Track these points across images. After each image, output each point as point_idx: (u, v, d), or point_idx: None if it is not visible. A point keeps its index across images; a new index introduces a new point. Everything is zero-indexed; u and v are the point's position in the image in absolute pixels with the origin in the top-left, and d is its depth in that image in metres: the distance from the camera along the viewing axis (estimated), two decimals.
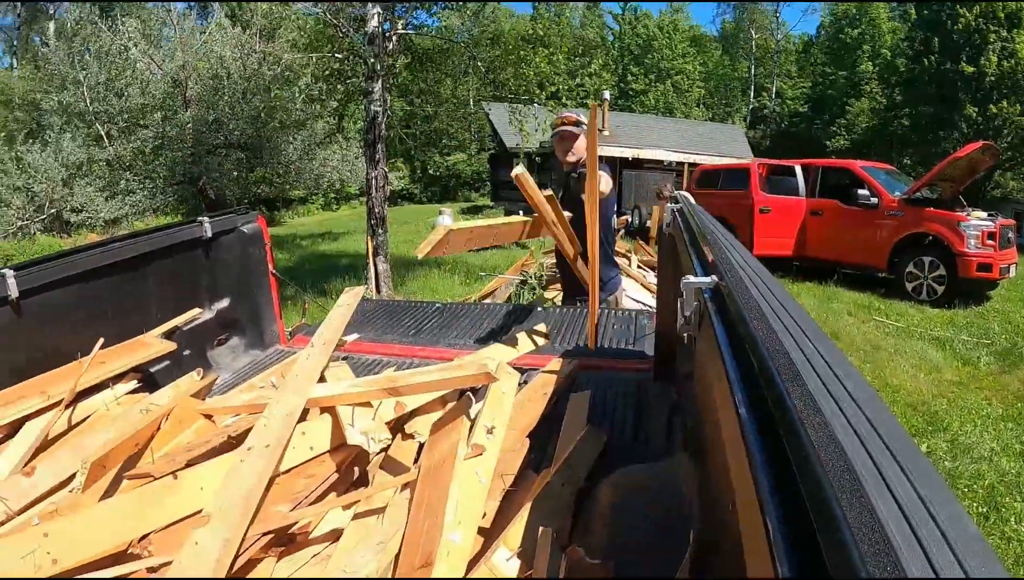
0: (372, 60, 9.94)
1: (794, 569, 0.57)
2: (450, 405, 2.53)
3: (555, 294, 8.88)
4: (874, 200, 12.00)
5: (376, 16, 9.90)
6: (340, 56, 11.19)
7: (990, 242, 10.73)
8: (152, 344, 3.07)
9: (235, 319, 4.20)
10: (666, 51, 53.81)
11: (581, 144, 4.38)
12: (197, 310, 3.81)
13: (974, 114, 31.69)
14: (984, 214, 11.25)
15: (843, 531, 0.53)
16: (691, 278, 1.51)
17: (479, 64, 11.45)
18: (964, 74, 32.11)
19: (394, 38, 10.43)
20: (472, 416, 2.42)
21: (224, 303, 4.10)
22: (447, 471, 2.00)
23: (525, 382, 3.02)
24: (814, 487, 0.60)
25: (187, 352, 3.54)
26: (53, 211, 19.15)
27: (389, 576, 1.72)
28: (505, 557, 1.74)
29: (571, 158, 4.44)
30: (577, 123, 4.40)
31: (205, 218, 3.88)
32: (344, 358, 3.60)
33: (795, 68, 57.54)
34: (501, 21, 11.97)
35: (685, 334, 1.65)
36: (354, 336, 3.59)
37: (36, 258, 2.96)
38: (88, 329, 2.89)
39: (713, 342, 1.15)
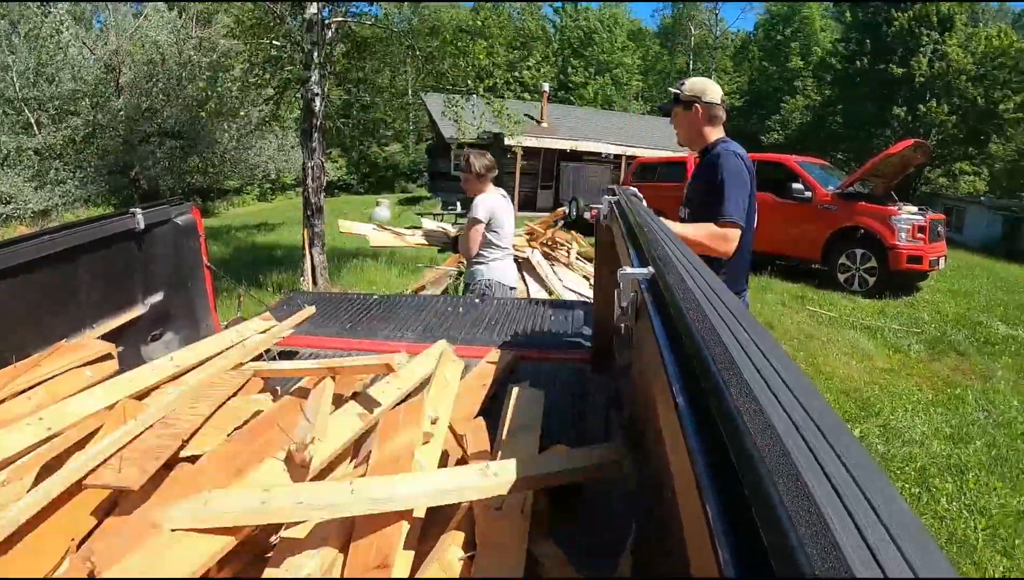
0: (310, 48, 9.81)
1: (734, 553, 0.58)
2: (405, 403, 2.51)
3: None
4: (808, 194, 12.23)
5: (315, 3, 9.78)
6: (278, 43, 11.02)
7: (920, 235, 11.03)
8: (90, 346, 2.98)
9: (169, 313, 4.11)
10: (606, 44, 54.12)
11: (685, 120, 3.78)
12: (140, 311, 3.73)
13: (903, 113, 32.58)
14: (915, 209, 11.56)
15: (780, 514, 0.54)
16: (628, 269, 1.52)
17: (418, 54, 11.38)
18: (895, 75, 32.95)
19: (333, 26, 10.31)
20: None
21: (158, 297, 4.01)
22: (404, 466, 1.98)
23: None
24: (751, 472, 0.61)
25: (120, 349, 3.46)
26: None
27: (336, 576, 1.69)
28: (457, 555, 1.72)
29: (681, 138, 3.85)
30: (676, 98, 3.72)
31: (138, 209, 3.79)
32: (282, 351, 3.55)
33: (732, 64, 58.36)
34: (441, 11, 11.88)
35: (622, 325, 1.66)
36: (288, 330, 3.54)
37: None
38: (17, 326, 2.81)
39: (650, 332, 1.15)
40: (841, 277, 11.84)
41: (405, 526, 1.75)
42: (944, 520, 4.31)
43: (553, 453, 2.12)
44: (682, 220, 3.66)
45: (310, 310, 3.62)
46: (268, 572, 1.68)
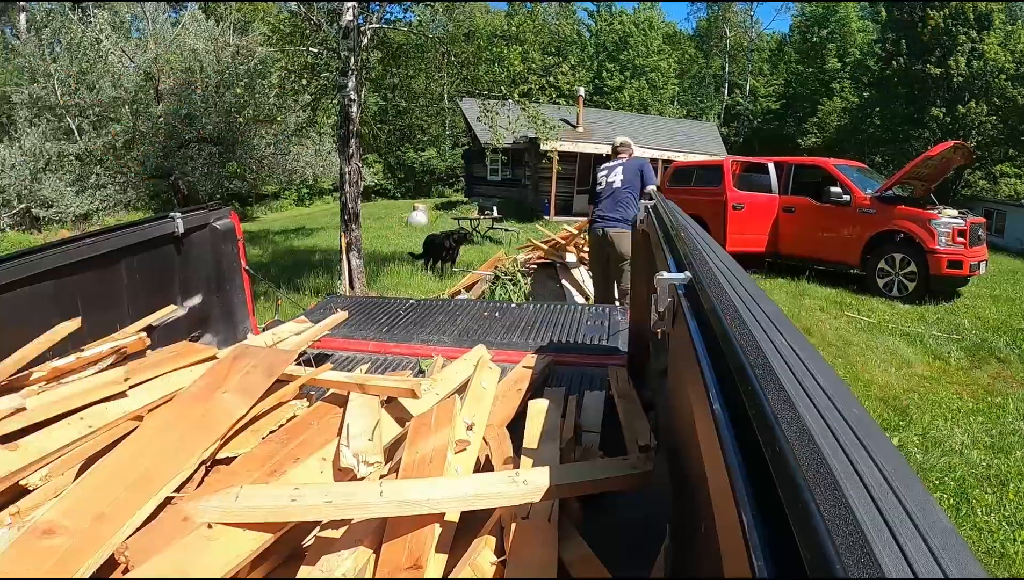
0: (346, 54, 9.89)
1: (769, 562, 0.58)
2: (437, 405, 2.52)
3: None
4: (846, 197, 12.10)
5: (351, 10, 9.85)
6: (314, 50, 11.12)
7: (960, 239, 10.86)
8: (198, 350, 3.02)
9: (207, 315, 4.17)
10: (641, 48, 53.91)
11: None
12: (172, 307, 3.77)
13: (942, 114, 32.13)
14: (955, 212, 11.38)
15: (817, 524, 0.53)
16: (665, 274, 1.52)
17: (453, 59, 11.42)
18: (932, 75, 32.49)
19: (368, 32, 10.38)
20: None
21: (196, 300, 4.07)
22: (436, 469, 1.99)
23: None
24: (788, 481, 0.60)
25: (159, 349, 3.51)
26: (22, 206, 18.88)
27: (370, 576, 1.70)
28: (489, 560, 1.73)
29: None
30: None
31: (177, 214, 3.84)
32: (317, 354, 3.58)
33: (768, 66, 57.91)
34: (476, 16, 11.92)
35: (659, 330, 1.66)
36: (319, 334, 3.57)
37: (7, 254, 2.92)
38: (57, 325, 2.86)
39: (687, 338, 1.15)
40: (880, 282, 11.69)
41: (437, 529, 1.75)
42: (983, 532, 4.24)
43: (583, 461, 2.11)
44: None
45: (343, 315, 3.64)
46: (303, 571, 1.69)
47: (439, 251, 12.44)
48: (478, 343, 3.79)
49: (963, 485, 4.83)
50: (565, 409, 2.70)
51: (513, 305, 4.78)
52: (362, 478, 1.91)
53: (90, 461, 2.07)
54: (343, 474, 2.00)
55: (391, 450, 2.31)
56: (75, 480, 1.98)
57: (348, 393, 2.47)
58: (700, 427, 0.96)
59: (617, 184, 7.07)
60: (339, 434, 2.19)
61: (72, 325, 2.82)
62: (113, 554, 1.65)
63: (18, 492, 1.91)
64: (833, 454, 0.64)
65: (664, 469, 2.05)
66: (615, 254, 6.70)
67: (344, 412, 2.33)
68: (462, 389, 2.73)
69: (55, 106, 16.65)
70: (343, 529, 1.84)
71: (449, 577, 1.66)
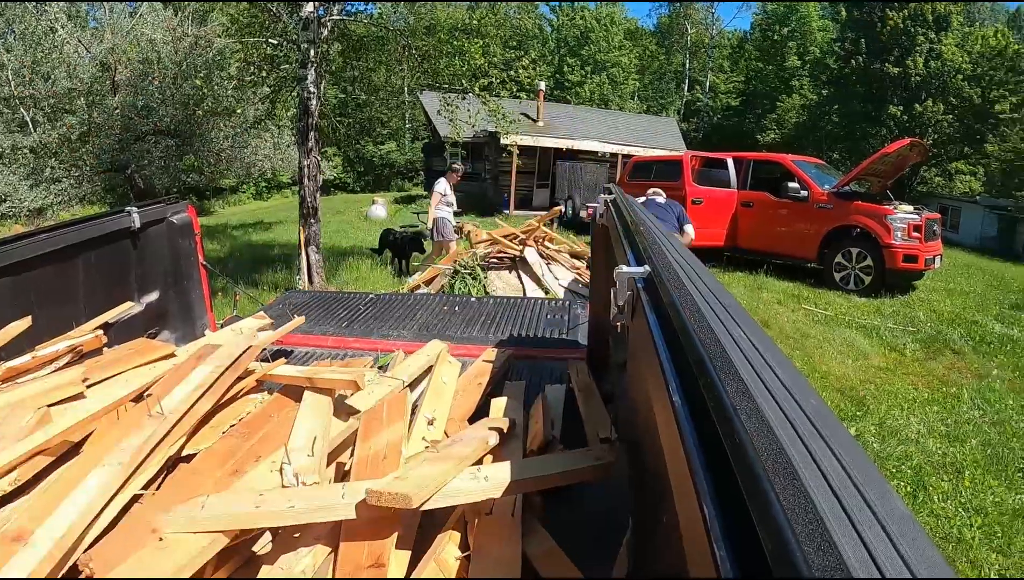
0: (306, 46, 9.80)
1: (731, 552, 0.58)
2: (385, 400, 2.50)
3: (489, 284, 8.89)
4: (804, 193, 12.23)
5: (311, 2, 9.76)
6: (273, 42, 11.00)
7: (916, 234, 11.04)
8: (156, 347, 2.97)
9: (165, 311, 4.11)
10: (602, 43, 54.02)
11: None
12: (129, 303, 3.71)
13: (899, 113, 32.64)
14: (911, 208, 11.56)
15: (777, 514, 0.53)
16: (624, 268, 1.52)
17: (414, 52, 11.37)
18: (890, 74, 32.99)
19: (328, 24, 10.29)
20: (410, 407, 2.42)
21: (154, 295, 4.01)
22: (390, 465, 1.98)
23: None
24: (747, 471, 0.60)
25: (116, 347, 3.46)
26: None
27: (328, 576, 1.69)
28: (453, 555, 1.72)
29: None
30: None
31: (133, 208, 3.78)
32: (278, 350, 3.55)
33: (728, 63, 58.39)
34: (437, 10, 11.86)
35: (619, 323, 1.66)
36: (275, 338, 3.54)
37: None
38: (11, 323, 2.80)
39: (646, 331, 1.15)
40: (837, 276, 11.84)
41: (396, 527, 1.74)
42: (940, 518, 4.32)
43: (545, 455, 2.10)
44: None
45: (300, 320, 3.61)
46: (264, 571, 1.68)
47: (396, 247, 12.47)
48: (438, 337, 3.79)
49: (919, 473, 4.93)
50: (526, 402, 2.69)
51: (473, 299, 4.79)
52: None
53: (55, 463, 2.03)
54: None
55: (346, 445, 2.30)
56: (39, 482, 1.95)
57: (303, 392, 2.44)
58: (660, 419, 0.96)
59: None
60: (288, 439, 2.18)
61: (22, 324, 2.77)
62: (76, 563, 1.62)
63: None
64: (792, 444, 0.64)
65: (625, 462, 2.06)
66: None
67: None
68: (416, 383, 2.72)
69: (8, 97, 16.29)
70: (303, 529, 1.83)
71: (412, 577, 1.65)
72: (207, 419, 2.33)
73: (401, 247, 12.22)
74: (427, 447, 2.24)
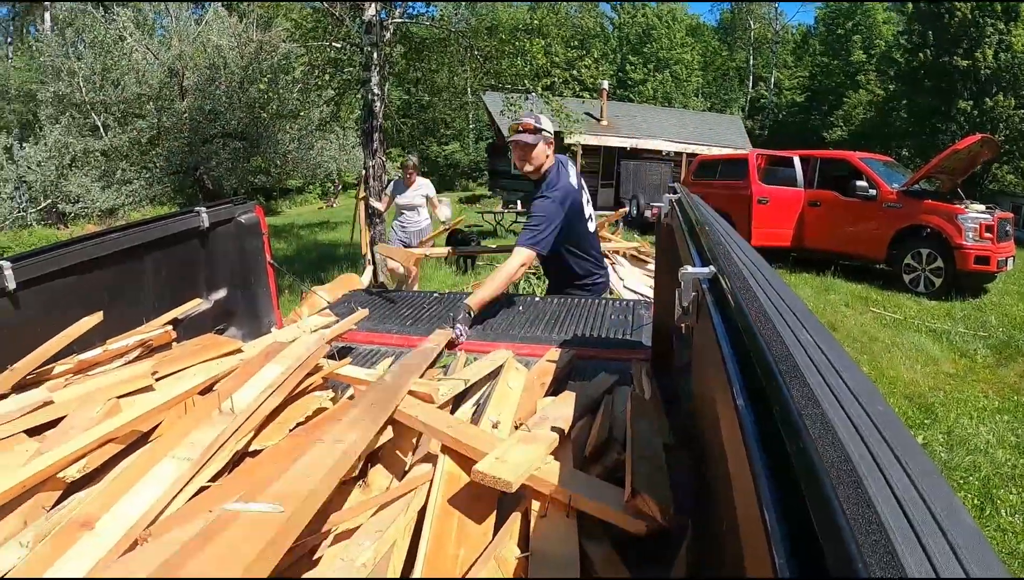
0: (369, 49, 9.91)
1: (791, 559, 0.57)
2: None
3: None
4: (872, 192, 12.00)
5: (373, 5, 9.88)
6: (337, 46, 11.17)
7: (988, 235, 10.76)
8: (223, 343, 3.04)
9: (232, 309, 4.20)
10: (664, 40, 53.69)
11: (540, 151, 4.06)
12: (197, 300, 3.80)
13: (969, 108, 31.81)
14: (982, 207, 11.28)
15: (840, 522, 0.53)
16: (689, 268, 1.51)
17: (476, 53, 11.43)
18: (959, 67, 32.15)
19: (391, 27, 10.40)
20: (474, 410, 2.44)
21: (221, 293, 4.10)
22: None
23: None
24: (812, 479, 0.60)
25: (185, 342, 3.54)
26: (48, 202, 19.11)
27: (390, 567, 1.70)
28: (514, 553, 1.72)
29: (527, 168, 4.12)
30: (535, 129, 4.01)
31: (202, 208, 3.87)
32: (341, 347, 3.60)
33: (792, 58, 57.57)
34: (498, 10, 11.93)
35: (683, 324, 1.65)
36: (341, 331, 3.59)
37: (34, 249, 2.95)
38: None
39: (711, 332, 1.15)
40: (906, 278, 11.59)
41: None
42: (1007, 533, 4.20)
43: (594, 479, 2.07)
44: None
45: (364, 312, 3.65)
46: (327, 560, 1.69)
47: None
48: (501, 337, 3.79)
49: (987, 485, 4.79)
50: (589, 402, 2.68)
51: (536, 298, 4.77)
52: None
53: (122, 453, 2.09)
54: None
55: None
56: (108, 472, 2.00)
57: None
58: (723, 421, 0.96)
59: None
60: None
61: (94, 319, 2.85)
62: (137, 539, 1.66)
63: (56, 485, 1.93)
64: (857, 452, 0.63)
65: (686, 464, 2.04)
66: None
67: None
68: (478, 385, 2.74)
69: (80, 103, 16.80)
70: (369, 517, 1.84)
71: (474, 578, 1.66)
72: (274, 416, 2.37)
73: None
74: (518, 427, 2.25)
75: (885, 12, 50.23)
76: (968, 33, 32.36)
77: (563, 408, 2.34)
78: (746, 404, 0.85)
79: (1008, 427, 5.86)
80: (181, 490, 1.85)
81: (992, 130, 29.46)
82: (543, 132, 4.04)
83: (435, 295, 5.01)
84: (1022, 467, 5.09)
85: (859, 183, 12.12)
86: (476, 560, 1.67)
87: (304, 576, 1.60)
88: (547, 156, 4.10)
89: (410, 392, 2.36)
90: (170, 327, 3.17)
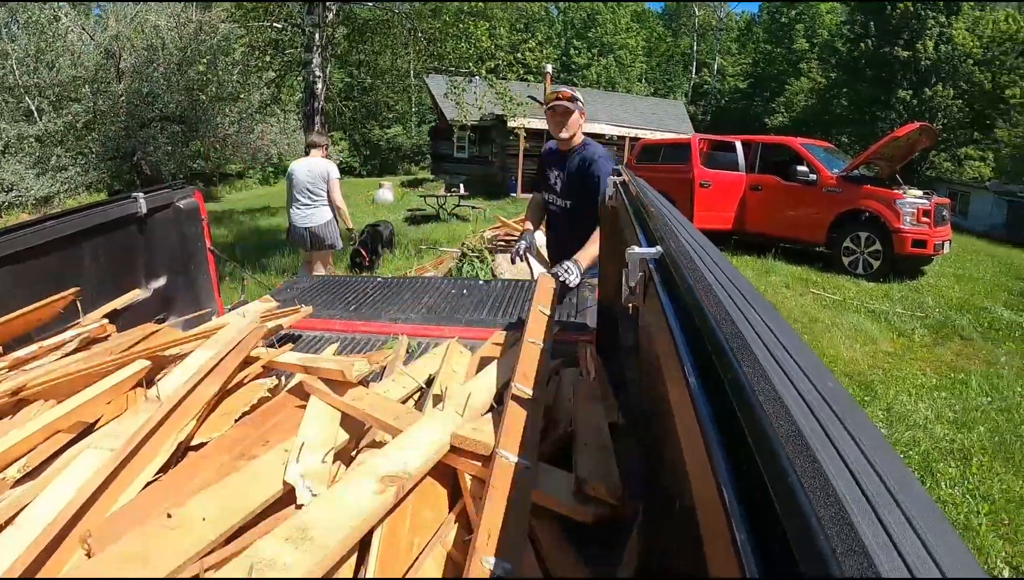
0: (311, 30, 9.78)
1: (751, 535, 0.57)
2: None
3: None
4: (813, 176, 12.18)
5: None
6: (278, 26, 10.99)
7: (925, 219, 10.99)
8: (166, 332, 2.97)
9: (172, 297, 4.11)
10: (609, 26, 53.88)
11: (575, 120, 4.27)
12: (137, 291, 3.72)
13: (908, 97, 32.53)
14: (920, 192, 11.52)
15: (800, 497, 0.53)
16: (636, 249, 1.51)
17: (420, 35, 11.34)
18: (900, 58, 32.85)
19: (333, 8, 10.26)
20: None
21: (161, 281, 4.01)
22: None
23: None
24: (768, 454, 0.59)
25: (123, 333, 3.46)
26: None
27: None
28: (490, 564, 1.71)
29: (564, 134, 4.28)
30: (572, 98, 4.25)
31: (140, 194, 3.78)
32: (285, 335, 3.55)
33: (736, 46, 58.20)
34: None
35: (630, 305, 1.65)
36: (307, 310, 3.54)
37: None
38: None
39: (659, 311, 1.14)
40: (845, 260, 11.80)
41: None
42: (947, 505, 4.31)
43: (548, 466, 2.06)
44: (564, 209, 4.36)
45: (307, 310, 3.60)
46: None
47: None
48: (445, 321, 3.78)
49: (927, 459, 4.91)
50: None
51: (480, 282, 4.76)
52: (299, 506, 1.81)
53: (66, 447, 2.04)
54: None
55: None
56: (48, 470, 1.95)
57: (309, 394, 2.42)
58: (675, 401, 0.95)
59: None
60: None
61: (71, 293, 2.83)
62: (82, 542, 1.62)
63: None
64: (809, 425, 0.63)
65: (635, 446, 2.05)
66: None
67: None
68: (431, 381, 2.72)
69: (13, 86, 16.36)
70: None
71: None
72: (215, 406, 2.33)
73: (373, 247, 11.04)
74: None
75: (828, 2, 50.99)
76: (909, 25, 33.13)
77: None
78: (697, 382, 0.84)
79: (945, 403, 6.01)
80: (109, 482, 1.80)
81: (930, 119, 30.24)
82: (578, 102, 4.25)
83: (378, 280, 4.97)
84: (960, 442, 5.23)
85: (800, 168, 12.30)
86: (425, 546, 1.66)
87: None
88: (580, 125, 4.31)
89: (320, 371, 2.35)
90: (107, 320, 3.10)
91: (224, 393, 2.41)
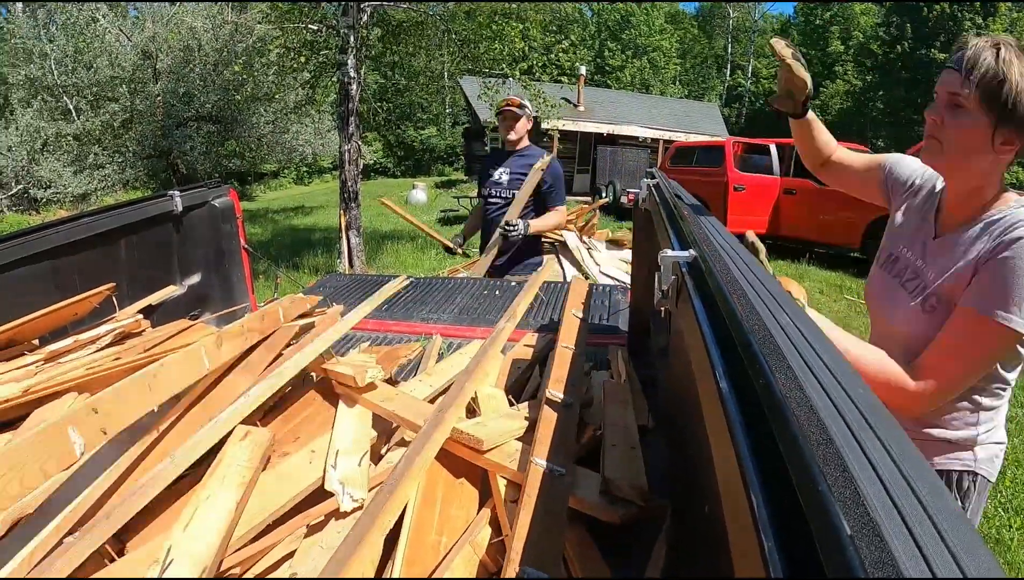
0: (345, 32, 9.84)
1: (779, 542, 0.57)
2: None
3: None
4: None
5: None
6: (313, 27, 11.06)
7: None
8: (196, 330, 3.01)
9: (207, 294, 4.16)
10: (643, 27, 53.72)
11: (523, 125, 5.03)
12: (172, 287, 3.77)
13: None
14: None
15: (829, 505, 0.52)
16: (669, 252, 1.50)
17: (453, 37, 11.38)
18: (937, 60, 32.50)
19: (368, 10, 10.32)
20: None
21: (195, 278, 4.06)
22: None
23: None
24: (799, 460, 0.59)
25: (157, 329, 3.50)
26: (20, 187, 18.88)
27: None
28: (489, 539, 1.71)
29: (512, 136, 5.04)
30: (521, 105, 4.98)
31: (176, 192, 3.83)
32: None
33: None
34: None
35: (662, 308, 1.64)
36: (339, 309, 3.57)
37: (3, 235, 2.90)
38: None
39: (691, 315, 1.14)
40: None
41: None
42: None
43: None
44: (508, 200, 5.09)
45: (338, 309, 3.61)
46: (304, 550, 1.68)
47: None
48: (477, 321, 3.79)
49: None
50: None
51: (513, 283, 4.77)
52: (344, 511, 1.82)
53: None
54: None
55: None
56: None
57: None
58: (705, 405, 0.95)
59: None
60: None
61: (106, 289, 2.87)
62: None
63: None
64: (841, 434, 0.63)
65: (664, 448, 2.04)
66: None
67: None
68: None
69: (52, 86, 16.62)
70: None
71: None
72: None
73: None
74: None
75: (863, 3, 50.48)
76: (946, 27, 32.72)
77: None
78: (729, 386, 0.84)
79: None
80: (135, 475, 1.82)
81: None
82: (527, 109, 5.02)
83: (410, 280, 5.00)
84: None
85: None
86: (453, 546, 1.66)
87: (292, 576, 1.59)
88: (528, 130, 5.11)
89: (335, 374, 2.35)
90: (141, 315, 3.14)
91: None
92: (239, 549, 1.58)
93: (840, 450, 0.59)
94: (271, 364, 2.54)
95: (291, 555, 1.68)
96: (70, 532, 1.59)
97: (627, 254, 8.82)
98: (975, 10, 32.08)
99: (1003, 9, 32.35)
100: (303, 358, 2.36)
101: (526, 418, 2.09)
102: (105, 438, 1.85)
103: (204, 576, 1.41)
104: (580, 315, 2.93)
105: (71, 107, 16.74)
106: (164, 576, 1.39)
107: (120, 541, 1.63)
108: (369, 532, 1.50)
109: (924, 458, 0.64)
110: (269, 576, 1.62)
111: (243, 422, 2.08)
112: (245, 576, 1.62)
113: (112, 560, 1.54)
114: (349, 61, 9.91)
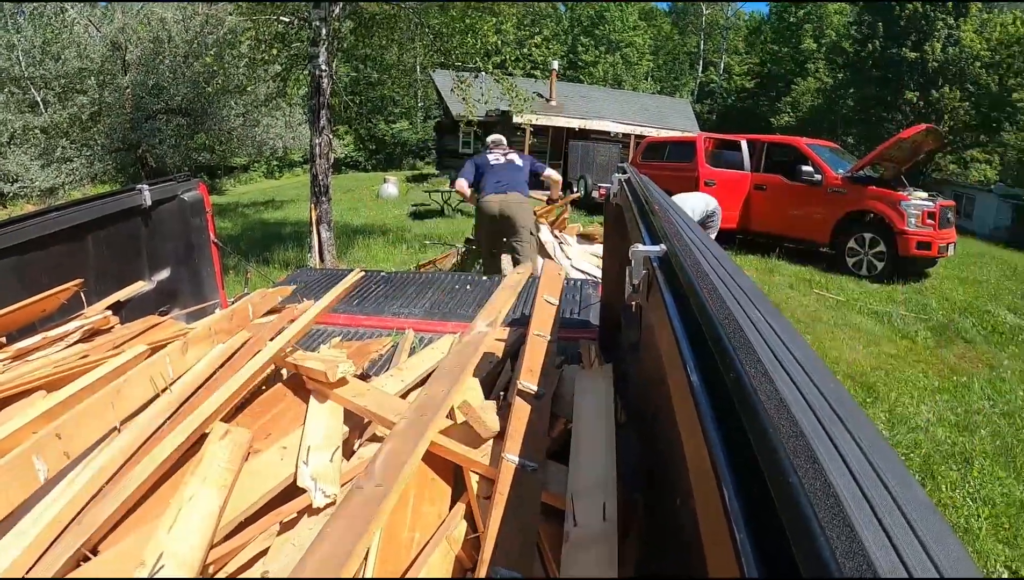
0: (317, 24, 9.76)
1: (750, 533, 0.57)
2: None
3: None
4: (818, 177, 12.14)
5: None
6: (285, 20, 10.97)
7: (930, 221, 10.96)
8: (168, 325, 2.98)
9: (176, 290, 4.12)
10: (617, 23, 53.77)
11: None
12: (141, 282, 3.72)
13: (915, 98, 32.49)
14: (925, 194, 11.48)
15: (799, 496, 0.52)
16: (640, 246, 1.51)
17: (426, 30, 11.32)
18: (907, 59, 32.80)
19: (340, 2, 10.24)
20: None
21: (165, 273, 4.02)
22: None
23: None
24: (770, 452, 0.59)
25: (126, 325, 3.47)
26: None
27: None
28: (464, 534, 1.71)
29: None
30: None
31: (144, 186, 3.79)
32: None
33: (743, 45, 58.07)
34: None
35: (633, 302, 1.65)
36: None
37: None
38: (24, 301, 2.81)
39: (663, 309, 1.14)
40: (849, 261, 11.77)
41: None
42: (948, 508, 4.30)
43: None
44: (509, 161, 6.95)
45: (308, 304, 3.58)
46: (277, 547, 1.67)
47: None
48: (449, 316, 3.78)
49: (928, 462, 4.91)
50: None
51: (484, 278, 4.77)
52: (317, 508, 1.80)
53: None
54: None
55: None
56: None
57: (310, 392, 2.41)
58: (676, 398, 0.95)
59: (519, 163, 7.38)
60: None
61: (74, 285, 2.83)
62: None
63: None
64: (811, 427, 0.63)
65: (636, 444, 2.04)
66: (513, 224, 6.68)
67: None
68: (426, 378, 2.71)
69: (19, 78, 16.37)
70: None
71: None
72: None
73: None
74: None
75: (837, 3, 50.80)
76: (917, 26, 33.06)
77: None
78: (700, 380, 0.84)
79: (947, 406, 6.00)
80: (117, 475, 1.81)
81: (937, 121, 30.20)
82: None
83: (382, 274, 4.97)
84: (961, 445, 5.22)
85: (805, 168, 12.25)
86: (427, 543, 1.66)
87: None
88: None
89: (306, 370, 2.34)
90: (110, 312, 3.10)
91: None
92: (212, 547, 1.57)
93: (810, 442, 0.59)
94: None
95: (264, 553, 1.67)
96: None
97: (598, 249, 8.81)
98: (947, 10, 32.42)
99: (974, 10, 32.73)
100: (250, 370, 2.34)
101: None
102: (68, 460, 1.84)
103: (189, 578, 1.41)
104: (553, 301, 2.92)
105: (39, 99, 16.51)
106: (152, 578, 1.38)
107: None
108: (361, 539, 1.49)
109: (893, 449, 0.64)
110: (250, 578, 1.61)
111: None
112: (218, 576, 1.61)
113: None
114: (321, 54, 9.83)
